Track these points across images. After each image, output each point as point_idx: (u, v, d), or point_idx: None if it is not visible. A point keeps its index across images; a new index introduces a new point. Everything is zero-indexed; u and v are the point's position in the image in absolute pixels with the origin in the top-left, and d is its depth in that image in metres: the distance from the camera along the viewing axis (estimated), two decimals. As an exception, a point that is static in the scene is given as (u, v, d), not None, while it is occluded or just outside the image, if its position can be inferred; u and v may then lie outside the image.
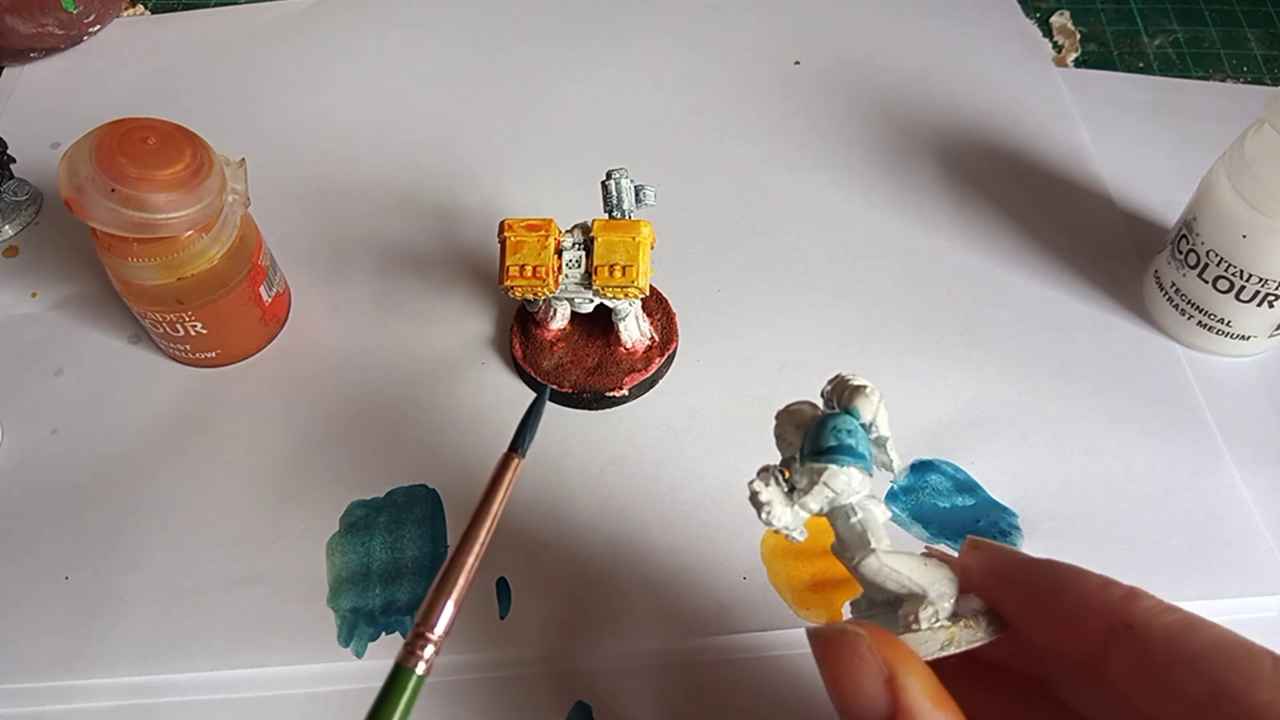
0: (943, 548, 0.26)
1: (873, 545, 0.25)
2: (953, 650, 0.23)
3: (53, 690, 0.34)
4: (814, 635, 0.23)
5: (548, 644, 0.34)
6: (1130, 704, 0.21)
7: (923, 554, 0.25)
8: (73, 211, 0.34)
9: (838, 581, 0.35)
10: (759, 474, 0.26)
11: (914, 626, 0.23)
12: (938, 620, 0.23)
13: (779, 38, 0.56)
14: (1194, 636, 0.20)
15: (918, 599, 0.24)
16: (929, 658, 0.23)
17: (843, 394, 0.26)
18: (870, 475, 0.25)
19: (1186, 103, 0.52)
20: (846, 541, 0.25)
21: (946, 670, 0.23)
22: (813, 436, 0.25)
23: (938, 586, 0.24)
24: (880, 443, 0.26)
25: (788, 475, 0.26)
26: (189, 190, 0.35)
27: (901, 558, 0.24)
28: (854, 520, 0.25)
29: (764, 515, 0.25)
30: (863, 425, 0.25)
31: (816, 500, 0.25)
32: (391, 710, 0.24)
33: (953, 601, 0.24)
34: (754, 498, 0.26)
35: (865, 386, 0.25)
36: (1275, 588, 0.35)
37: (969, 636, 0.23)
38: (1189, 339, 0.42)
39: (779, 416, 0.27)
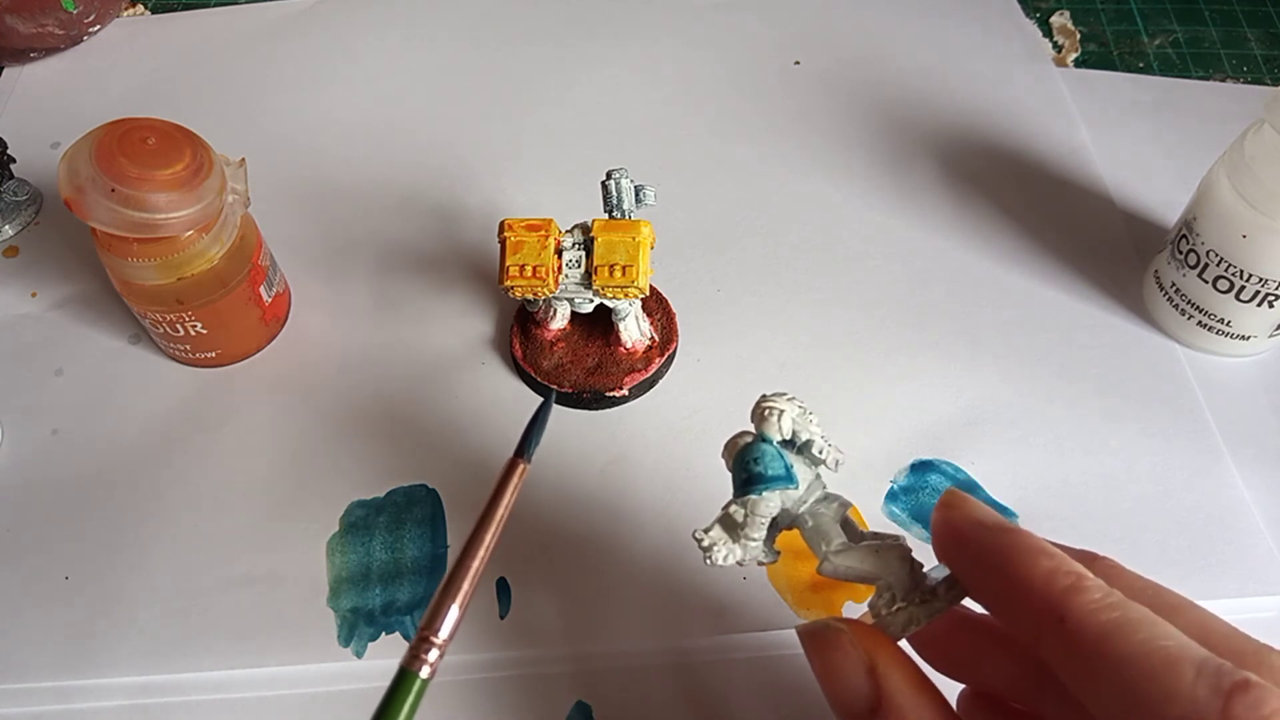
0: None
1: (823, 549, 0.26)
2: (914, 628, 0.24)
3: (53, 690, 0.34)
4: (802, 633, 0.25)
5: (548, 644, 0.34)
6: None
7: (872, 541, 0.26)
8: (73, 211, 0.34)
9: (837, 581, 0.35)
10: (723, 508, 0.27)
11: (880, 613, 0.25)
12: (895, 604, 0.25)
13: (779, 38, 0.56)
14: (1123, 641, 0.19)
15: (883, 586, 0.25)
16: (898, 639, 0.24)
17: (752, 420, 0.27)
18: (796, 487, 0.26)
19: (1186, 103, 0.52)
20: (811, 549, 0.27)
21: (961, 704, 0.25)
22: (733, 473, 0.27)
23: (890, 570, 0.25)
24: (806, 447, 0.26)
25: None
26: (189, 190, 0.35)
27: (851, 553, 0.26)
28: (807, 530, 0.27)
29: (706, 560, 0.27)
30: (783, 441, 0.26)
31: (756, 529, 0.27)
32: (396, 714, 0.24)
33: (909, 578, 0.25)
34: (698, 544, 0.27)
35: (766, 408, 0.26)
36: (1275, 588, 0.35)
37: (927, 611, 0.24)
38: (1189, 339, 0.42)
39: (724, 455, 0.28)
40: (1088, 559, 0.23)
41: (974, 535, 0.23)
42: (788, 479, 0.26)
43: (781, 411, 0.26)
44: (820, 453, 0.26)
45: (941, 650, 0.26)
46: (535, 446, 0.29)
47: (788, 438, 0.26)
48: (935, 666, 0.26)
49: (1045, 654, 0.21)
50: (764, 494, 0.26)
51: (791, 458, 0.26)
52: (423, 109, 0.53)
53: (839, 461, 0.26)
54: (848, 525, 0.27)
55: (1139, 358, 0.42)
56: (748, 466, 0.26)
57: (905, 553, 0.25)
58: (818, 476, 0.27)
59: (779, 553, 0.28)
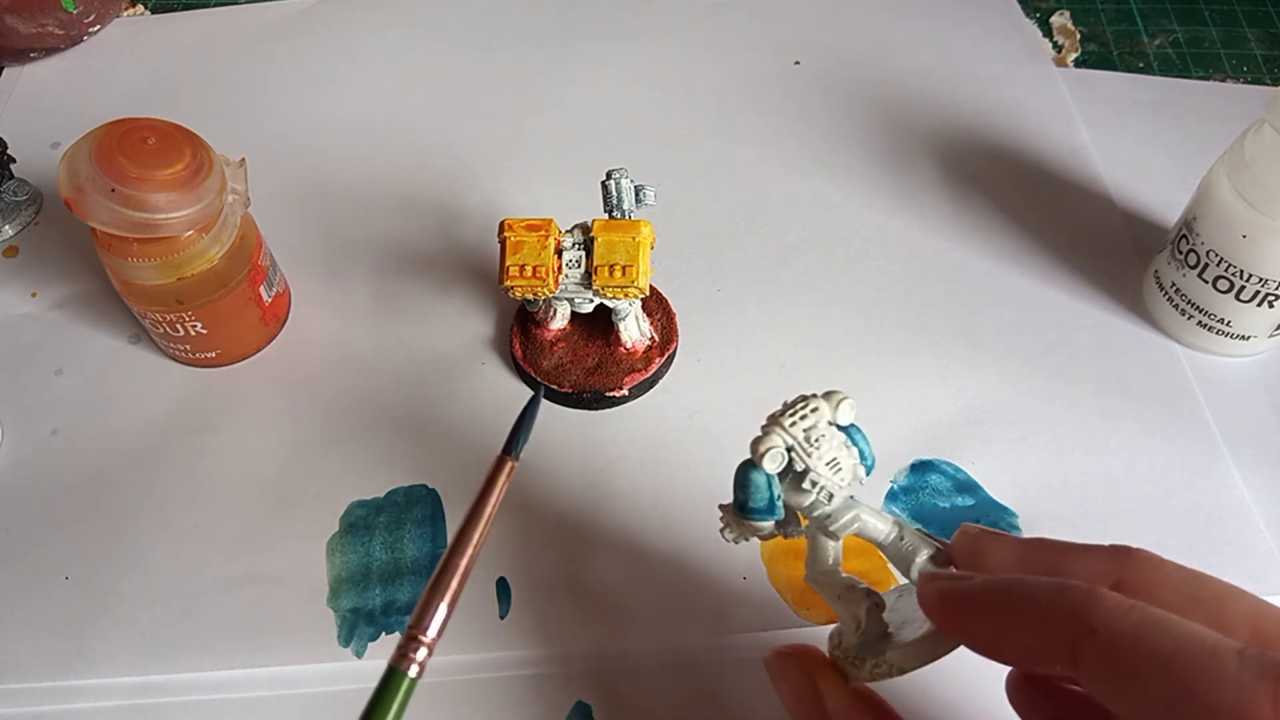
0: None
1: (810, 566, 0.27)
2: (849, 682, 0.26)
3: (53, 690, 0.34)
4: (765, 662, 0.27)
5: (548, 644, 0.34)
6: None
7: (847, 589, 0.26)
8: (73, 211, 0.34)
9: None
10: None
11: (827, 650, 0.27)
12: (834, 652, 0.26)
13: (779, 38, 0.56)
14: (1158, 636, 0.19)
15: (837, 629, 0.27)
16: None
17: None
18: (775, 520, 0.26)
19: (1186, 103, 0.52)
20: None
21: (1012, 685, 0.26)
22: (733, 486, 0.27)
23: (843, 623, 0.26)
24: (799, 478, 0.26)
25: None
26: (189, 190, 0.35)
27: (826, 586, 0.27)
28: (809, 538, 0.28)
29: (723, 531, 0.28)
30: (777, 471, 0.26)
31: (758, 530, 0.27)
32: (384, 713, 0.24)
33: (855, 637, 0.25)
34: (719, 517, 0.28)
35: (758, 449, 0.26)
36: (1275, 588, 0.35)
37: (853, 674, 0.25)
38: (1189, 339, 0.42)
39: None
40: (1121, 554, 0.23)
41: (971, 600, 0.23)
42: (768, 511, 0.26)
43: (770, 450, 0.25)
44: (812, 486, 0.26)
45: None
46: (524, 444, 0.29)
47: (776, 473, 0.26)
48: (980, 652, 0.26)
49: (1083, 672, 0.20)
50: (745, 520, 0.26)
51: (784, 486, 0.26)
52: (423, 109, 0.53)
53: (832, 496, 0.26)
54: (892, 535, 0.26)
55: (1139, 358, 0.42)
56: (736, 490, 0.26)
57: (861, 617, 0.25)
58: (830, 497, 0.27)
59: (803, 530, 0.28)
